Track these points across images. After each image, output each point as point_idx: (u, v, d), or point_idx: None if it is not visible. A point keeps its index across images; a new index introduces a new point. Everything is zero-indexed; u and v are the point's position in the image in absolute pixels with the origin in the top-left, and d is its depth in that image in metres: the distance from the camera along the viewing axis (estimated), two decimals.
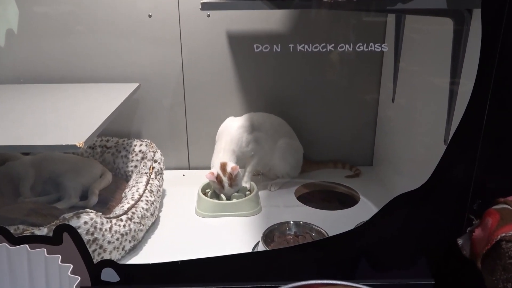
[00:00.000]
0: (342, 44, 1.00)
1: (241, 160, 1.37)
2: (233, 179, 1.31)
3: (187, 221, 1.26)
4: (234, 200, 1.31)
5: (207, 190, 1.37)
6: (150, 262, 0.96)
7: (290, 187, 1.45)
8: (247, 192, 1.36)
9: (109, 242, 1.04)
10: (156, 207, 1.24)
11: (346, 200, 1.41)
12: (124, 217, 1.10)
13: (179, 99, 1.52)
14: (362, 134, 1.58)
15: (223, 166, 1.33)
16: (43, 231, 0.96)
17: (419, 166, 1.21)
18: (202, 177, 1.36)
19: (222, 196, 1.33)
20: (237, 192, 1.35)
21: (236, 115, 1.46)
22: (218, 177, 1.33)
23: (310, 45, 0.96)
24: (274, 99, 1.51)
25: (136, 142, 1.42)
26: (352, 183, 1.47)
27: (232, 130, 1.38)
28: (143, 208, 1.16)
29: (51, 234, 0.91)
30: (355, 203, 1.35)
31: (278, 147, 1.43)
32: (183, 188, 1.45)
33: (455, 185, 0.89)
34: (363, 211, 1.30)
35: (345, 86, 1.53)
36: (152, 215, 1.20)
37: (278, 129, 1.46)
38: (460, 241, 0.90)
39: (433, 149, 1.11)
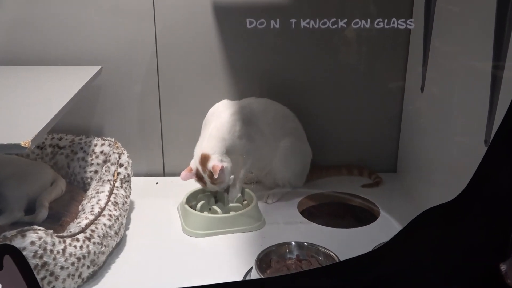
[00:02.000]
0: (357, 20, 1.00)
1: (232, 156, 1.36)
2: (215, 180, 1.32)
3: (161, 241, 1.27)
4: (232, 213, 1.32)
5: (193, 203, 1.37)
6: None
7: (291, 199, 1.45)
8: (245, 202, 1.38)
9: (62, 268, 1.04)
10: (122, 224, 1.25)
11: (362, 216, 1.42)
12: (81, 236, 1.10)
13: (152, 86, 1.53)
14: (384, 132, 1.60)
15: (204, 159, 1.33)
16: None
17: (453, 172, 1.22)
18: (182, 185, 1.38)
19: (216, 207, 1.34)
20: (224, 191, 1.37)
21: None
22: (197, 173, 1.34)
23: (317, 20, 0.97)
24: (272, 88, 1.52)
25: (97, 141, 1.42)
26: (371, 194, 1.48)
27: (224, 115, 1.38)
28: (105, 224, 1.16)
29: None
30: (373, 219, 1.36)
31: (280, 148, 1.44)
32: (156, 199, 1.46)
33: (498, 197, 0.90)
34: (384, 229, 1.31)
35: (363, 71, 1.55)
36: (116, 233, 1.21)
37: (283, 123, 1.47)
38: (503, 267, 0.91)
39: (471, 151, 1.12)
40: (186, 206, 1.33)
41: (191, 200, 1.38)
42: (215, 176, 1.30)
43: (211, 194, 1.39)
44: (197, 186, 1.40)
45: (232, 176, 1.35)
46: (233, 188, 1.39)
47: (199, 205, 1.34)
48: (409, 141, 1.54)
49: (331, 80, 1.55)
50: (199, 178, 1.34)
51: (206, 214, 1.32)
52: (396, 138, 1.59)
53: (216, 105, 1.42)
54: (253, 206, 1.34)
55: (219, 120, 1.37)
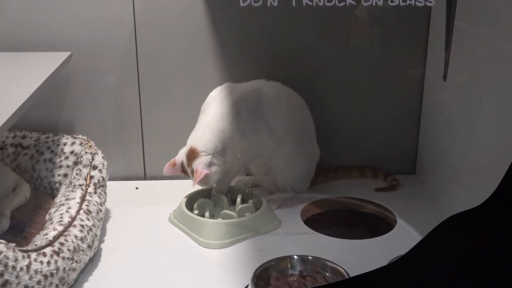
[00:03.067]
0: None
1: (229, 152, 1.37)
2: (200, 181, 1.33)
3: (142, 256, 1.27)
4: (248, 215, 1.34)
5: (196, 211, 1.38)
6: None
7: (294, 206, 1.46)
8: (244, 205, 1.38)
9: (26, 287, 1.04)
10: (96, 236, 1.25)
11: (376, 225, 1.42)
12: (48, 250, 1.10)
13: (130, 75, 1.53)
14: (401, 127, 1.60)
15: (192, 154, 1.34)
16: None
17: (481, 174, 1.23)
18: (167, 190, 1.38)
19: (228, 212, 1.35)
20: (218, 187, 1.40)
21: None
22: (182, 166, 1.36)
23: None
24: (271, 77, 1.51)
25: (67, 140, 1.42)
26: (386, 199, 1.48)
27: (227, 101, 1.38)
28: (76, 237, 1.16)
29: None
30: (389, 229, 1.37)
31: (285, 144, 1.44)
32: (136, 207, 1.46)
33: None
34: (401, 240, 1.31)
35: (375, 58, 1.55)
36: (89, 247, 1.20)
37: (295, 115, 1.46)
38: None
39: (502, 149, 1.13)
40: (195, 216, 1.34)
41: (191, 201, 1.41)
42: (195, 181, 1.32)
43: (210, 199, 1.42)
44: (186, 191, 1.42)
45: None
46: (221, 183, 1.41)
47: (207, 212, 1.36)
48: (430, 138, 1.54)
49: (339, 68, 1.55)
50: (184, 171, 1.37)
51: (221, 220, 1.33)
52: (415, 134, 1.60)
53: (219, 88, 1.42)
54: (266, 205, 1.38)
55: (221, 107, 1.37)
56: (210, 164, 1.33)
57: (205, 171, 1.32)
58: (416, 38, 1.52)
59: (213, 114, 1.36)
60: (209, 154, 1.33)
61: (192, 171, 1.33)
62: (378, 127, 1.60)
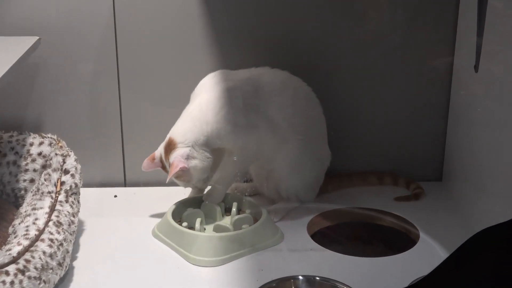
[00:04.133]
0: None
1: (216, 148, 1.38)
2: (178, 177, 1.34)
3: (121, 274, 1.26)
4: (246, 228, 1.33)
5: (184, 224, 1.37)
6: None
7: (299, 217, 1.46)
8: (241, 216, 1.38)
9: None
10: (68, 252, 1.24)
11: (395, 240, 1.42)
12: (12, 269, 1.09)
13: (108, 64, 1.53)
14: (425, 126, 1.60)
15: (169, 146, 1.36)
16: None
17: None
18: (150, 199, 1.39)
19: (223, 224, 1.35)
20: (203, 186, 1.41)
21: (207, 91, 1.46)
22: (161, 160, 1.38)
23: None
24: (274, 67, 1.49)
25: (33, 139, 1.41)
26: (408, 210, 1.48)
27: (217, 89, 1.38)
28: (44, 253, 1.15)
29: None
30: (411, 245, 1.36)
31: (290, 145, 1.44)
32: (114, 218, 1.47)
33: None
34: (425, 257, 1.31)
35: (396, 44, 1.55)
36: (60, 265, 1.20)
37: (303, 110, 1.46)
38: None
39: None
40: (184, 229, 1.34)
41: (178, 212, 1.41)
42: (169, 175, 1.33)
43: (201, 209, 1.42)
44: (173, 200, 1.42)
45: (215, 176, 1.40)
46: (214, 191, 1.41)
47: (197, 224, 1.35)
48: (459, 138, 1.54)
49: (353, 56, 1.55)
50: (163, 166, 1.38)
51: (213, 233, 1.34)
52: (441, 134, 1.60)
53: (211, 75, 1.42)
54: (267, 216, 1.37)
55: (208, 95, 1.37)
56: (188, 157, 1.34)
57: (181, 165, 1.32)
58: (443, 21, 1.52)
59: (198, 103, 1.37)
60: (188, 146, 1.34)
61: (169, 164, 1.35)
62: (399, 126, 1.60)
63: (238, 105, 1.37)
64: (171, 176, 1.33)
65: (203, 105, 1.37)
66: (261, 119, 1.40)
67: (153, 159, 1.38)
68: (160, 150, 1.38)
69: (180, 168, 1.32)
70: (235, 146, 1.39)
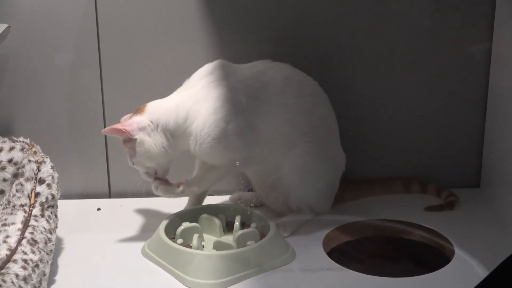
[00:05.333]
0: None
1: (181, 146, 1.40)
2: (125, 142, 1.37)
3: None
4: (251, 245, 1.33)
5: (179, 241, 1.37)
6: None
7: (313, 232, 1.46)
8: (243, 231, 1.38)
9: None
10: (45, 274, 1.24)
11: (426, 256, 1.42)
12: None
13: (89, 56, 1.54)
14: (459, 124, 1.60)
15: (139, 110, 1.39)
16: None
17: None
18: (139, 211, 1.38)
19: (224, 240, 1.34)
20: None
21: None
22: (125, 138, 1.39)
23: None
24: (278, 58, 1.50)
25: (2, 144, 1.39)
26: (440, 222, 1.48)
27: (219, 88, 1.39)
28: (17, 276, 1.14)
29: None
30: (444, 262, 1.36)
31: (299, 149, 1.44)
32: (98, 235, 1.47)
33: None
34: (460, 276, 1.31)
35: (424, 29, 1.55)
36: None
37: (310, 108, 1.46)
38: None
39: None
40: (178, 246, 1.34)
41: (168, 235, 1.39)
42: (111, 125, 1.36)
43: (199, 223, 1.42)
44: (165, 213, 1.44)
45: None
46: (188, 187, 1.43)
47: (194, 241, 1.34)
48: (499, 140, 1.53)
49: (371, 45, 1.55)
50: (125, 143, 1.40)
51: (213, 252, 1.33)
52: (478, 134, 1.60)
53: (210, 66, 1.43)
54: (275, 231, 1.37)
55: (205, 92, 1.39)
56: (142, 129, 1.37)
57: (129, 128, 1.36)
58: (479, 1, 1.52)
59: (193, 94, 1.40)
60: (151, 121, 1.37)
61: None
62: (427, 124, 1.60)
63: (241, 106, 1.39)
64: (110, 128, 1.36)
65: (197, 98, 1.39)
66: (260, 118, 1.41)
67: (118, 127, 1.39)
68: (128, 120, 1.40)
69: (125, 130, 1.35)
70: (219, 162, 1.42)
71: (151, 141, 1.37)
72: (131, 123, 1.36)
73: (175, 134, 1.38)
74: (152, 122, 1.37)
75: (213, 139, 1.37)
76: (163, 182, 1.43)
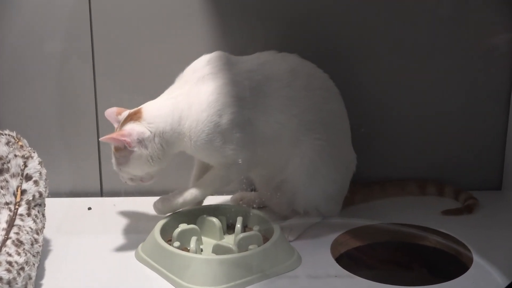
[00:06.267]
0: None
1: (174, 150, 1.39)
2: (117, 150, 1.36)
3: None
4: (253, 249, 1.32)
5: (176, 244, 1.36)
6: None
7: (321, 236, 1.45)
8: (244, 235, 1.37)
9: None
10: (31, 278, 1.23)
11: (443, 264, 1.41)
12: None
13: (81, 43, 1.53)
14: (480, 122, 1.60)
15: (135, 115, 1.38)
16: None
17: None
18: (133, 211, 1.37)
19: (223, 244, 1.34)
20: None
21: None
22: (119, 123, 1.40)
23: None
24: (284, 49, 1.49)
25: None
26: (458, 226, 1.47)
27: (216, 83, 1.38)
28: (1, 279, 1.14)
29: None
30: (462, 271, 1.35)
31: (305, 148, 1.44)
32: (88, 236, 1.46)
33: None
34: (479, 286, 1.30)
35: (444, 14, 1.54)
36: None
37: (320, 103, 1.46)
38: None
39: None
40: (175, 250, 1.32)
41: (167, 229, 1.40)
42: (109, 135, 1.35)
43: (197, 224, 1.41)
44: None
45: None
46: (178, 197, 1.41)
47: (192, 244, 1.34)
48: None
49: (386, 33, 1.55)
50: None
51: (213, 256, 1.32)
52: (501, 132, 1.59)
53: (206, 58, 1.43)
54: (280, 234, 1.36)
55: (200, 88, 1.38)
56: (141, 142, 1.36)
57: (129, 140, 1.35)
58: None
59: (187, 92, 1.39)
60: (151, 131, 1.36)
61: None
62: (445, 121, 1.59)
63: (234, 109, 1.38)
64: (109, 137, 1.35)
65: (192, 98, 1.38)
66: (264, 116, 1.41)
67: (119, 114, 1.41)
68: (126, 114, 1.40)
69: (126, 142, 1.34)
70: (217, 161, 1.41)
71: (148, 154, 1.37)
72: (131, 133, 1.35)
73: (170, 140, 1.38)
74: (150, 132, 1.37)
75: (207, 135, 1.37)
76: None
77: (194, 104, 1.37)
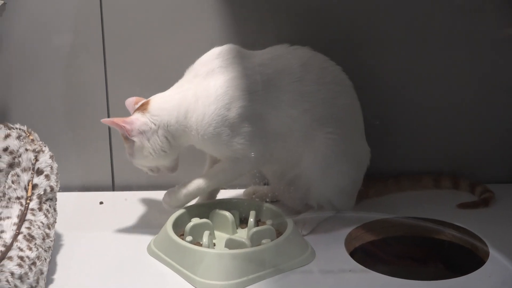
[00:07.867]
0: None
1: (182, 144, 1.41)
2: (125, 139, 1.38)
3: None
4: (266, 243, 1.32)
5: (188, 239, 1.36)
6: None
7: (335, 230, 1.45)
8: (257, 229, 1.37)
9: None
10: (42, 273, 1.24)
11: (459, 258, 1.41)
12: None
13: (92, 37, 1.54)
14: (495, 114, 1.60)
15: (142, 106, 1.40)
16: None
17: None
18: (145, 206, 1.37)
19: (236, 238, 1.34)
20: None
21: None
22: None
23: None
24: (297, 42, 1.49)
25: None
26: (474, 220, 1.47)
27: (225, 77, 1.39)
28: (13, 274, 1.15)
29: None
30: (478, 265, 1.35)
31: (319, 143, 1.44)
32: (99, 231, 1.47)
33: None
34: (496, 280, 1.30)
35: (458, 4, 1.53)
36: None
37: (333, 98, 1.45)
38: None
39: None
40: (187, 244, 1.33)
41: (179, 223, 1.40)
42: (111, 118, 1.37)
43: (209, 219, 1.41)
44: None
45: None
46: (182, 188, 1.42)
47: (205, 238, 1.35)
48: None
49: (400, 24, 1.55)
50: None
51: (226, 250, 1.32)
52: None
53: (216, 50, 1.43)
54: (293, 229, 1.36)
55: (209, 82, 1.39)
56: (143, 133, 1.38)
57: (129, 127, 1.37)
58: None
59: (195, 85, 1.40)
60: (154, 124, 1.38)
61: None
62: (460, 114, 1.59)
63: (244, 104, 1.39)
64: (110, 121, 1.37)
65: (201, 92, 1.39)
66: (274, 111, 1.41)
67: (137, 104, 1.42)
68: (140, 104, 1.42)
69: (125, 128, 1.36)
70: (225, 155, 1.42)
71: (150, 147, 1.39)
72: (133, 121, 1.38)
73: (175, 133, 1.39)
74: (154, 124, 1.38)
75: (214, 128, 1.37)
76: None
77: (201, 97, 1.38)
